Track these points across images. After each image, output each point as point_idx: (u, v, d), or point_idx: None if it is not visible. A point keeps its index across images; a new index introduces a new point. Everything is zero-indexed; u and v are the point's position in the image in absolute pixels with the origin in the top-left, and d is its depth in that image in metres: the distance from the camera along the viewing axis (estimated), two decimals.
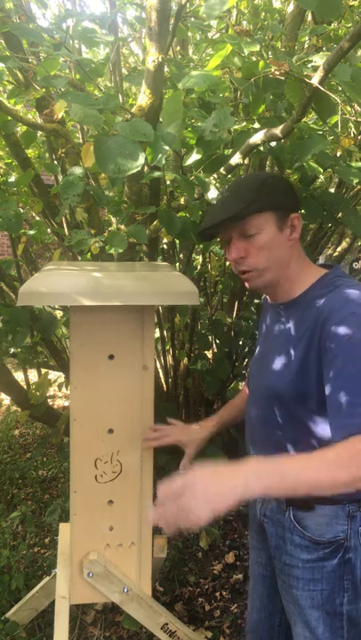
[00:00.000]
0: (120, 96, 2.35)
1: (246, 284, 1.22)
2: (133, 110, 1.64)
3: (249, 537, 1.43)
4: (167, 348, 2.61)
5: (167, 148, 1.44)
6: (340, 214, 1.85)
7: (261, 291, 1.25)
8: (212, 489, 0.86)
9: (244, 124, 1.79)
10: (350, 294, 1.07)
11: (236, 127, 1.74)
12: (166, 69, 1.83)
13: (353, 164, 1.69)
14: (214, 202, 1.23)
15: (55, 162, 2.28)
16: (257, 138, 1.51)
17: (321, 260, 3.02)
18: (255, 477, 0.88)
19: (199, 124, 1.63)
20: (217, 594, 2.22)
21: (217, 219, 1.13)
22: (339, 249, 2.73)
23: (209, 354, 2.54)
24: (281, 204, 1.14)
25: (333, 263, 1.25)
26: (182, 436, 1.45)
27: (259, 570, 1.38)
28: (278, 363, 1.17)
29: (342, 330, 1.02)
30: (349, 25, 1.92)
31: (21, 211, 1.82)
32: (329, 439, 1.05)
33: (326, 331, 1.05)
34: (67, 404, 4.35)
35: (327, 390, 1.03)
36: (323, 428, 1.11)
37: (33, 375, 2.96)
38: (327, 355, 1.04)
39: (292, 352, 1.14)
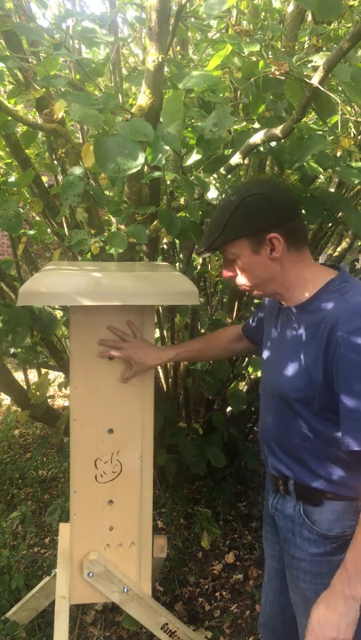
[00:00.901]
0: (120, 96, 2.35)
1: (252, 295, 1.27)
2: (133, 110, 1.64)
3: (263, 530, 1.46)
4: None
5: (167, 147, 1.44)
6: (340, 214, 1.85)
7: (268, 297, 1.28)
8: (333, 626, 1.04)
9: (244, 124, 1.79)
10: (356, 305, 1.09)
11: (236, 127, 1.74)
12: (166, 69, 1.83)
13: (353, 164, 1.69)
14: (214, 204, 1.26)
15: (55, 162, 2.28)
16: (257, 138, 1.51)
17: (321, 259, 3.02)
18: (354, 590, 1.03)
19: (199, 123, 1.63)
20: (217, 594, 2.22)
21: (200, 248, 1.23)
22: (339, 249, 2.73)
23: None
24: (254, 228, 1.15)
25: (336, 264, 1.26)
26: (134, 356, 1.40)
27: (272, 563, 1.42)
28: (286, 366, 1.20)
29: (351, 347, 1.05)
30: (349, 25, 1.92)
31: (21, 211, 1.82)
32: (335, 437, 1.12)
33: (334, 344, 1.08)
34: (67, 403, 4.35)
35: (342, 406, 1.08)
36: (328, 428, 1.14)
37: (33, 375, 2.96)
38: (339, 372, 1.08)
39: (298, 357, 1.17)
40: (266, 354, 1.33)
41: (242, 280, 1.22)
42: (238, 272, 1.21)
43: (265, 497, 1.42)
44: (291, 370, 1.18)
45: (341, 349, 1.06)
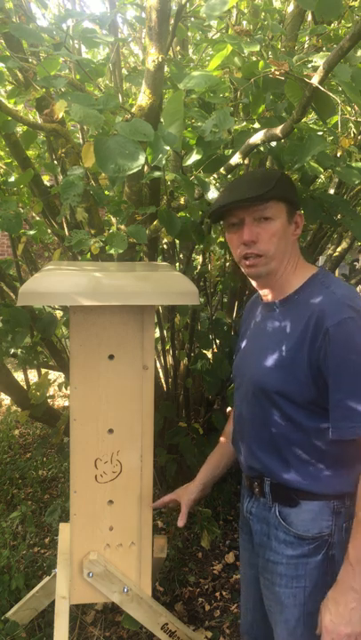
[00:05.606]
0: (120, 96, 2.35)
1: (250, 270, 1.22)
2: (133, 110, 1.64)
3: (240, 538, 1.42)
4: (167, 347, 2.61)
5: (168, 148, 1.44)
6: (339, 215, 1.85)
7: (261, 280, 1.25)
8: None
9: (244, 123, 1.79)
10: (342, 296, 1.12)
11: (236, 127, 1.74)
12: (166, 69, 1.83)
13: (353, 164, 1.69)
14: (230, 185, 1.24)
15: (55, 162, 2.28)
16: (257, 138, 1.51)
17: (321, 260, 3.02)
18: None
19: (199, 124, 1.63)
20: (217, 594, 2.22)
21: (241, 196, 1.15)
22: (339, 249, 2.73)
23: (209, 354, 2.54)
24: (292, 199, 1.19)
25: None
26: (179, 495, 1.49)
27: (251, 572, 1.37)
28: (266, 359, 1.20)
29: (342, 336, 1.07)
30: (349, 25, 1.92)
31: (21, 211, 1.82)
32: (316, 429, 1.13)
33: (323, 334, 1.09)
34: (67, 403, 4.35)
35: (333, 395, 1.09)
36: (312, 421, 1.14)
37: (33, 375, 2.96)
38: (329, 361, 1.09)
39: (281, 348, 1.17)
40: (242, 353, 1.33)
41: (265, 246, 1.17)
42: (265, 236, 1.16)
43: (241, 503, 1.39)
44: (272, 361, 1.17)
45: (331, 339, 1.08)
